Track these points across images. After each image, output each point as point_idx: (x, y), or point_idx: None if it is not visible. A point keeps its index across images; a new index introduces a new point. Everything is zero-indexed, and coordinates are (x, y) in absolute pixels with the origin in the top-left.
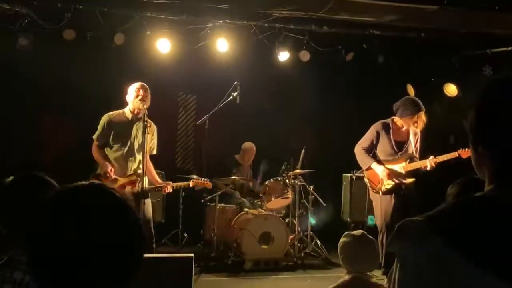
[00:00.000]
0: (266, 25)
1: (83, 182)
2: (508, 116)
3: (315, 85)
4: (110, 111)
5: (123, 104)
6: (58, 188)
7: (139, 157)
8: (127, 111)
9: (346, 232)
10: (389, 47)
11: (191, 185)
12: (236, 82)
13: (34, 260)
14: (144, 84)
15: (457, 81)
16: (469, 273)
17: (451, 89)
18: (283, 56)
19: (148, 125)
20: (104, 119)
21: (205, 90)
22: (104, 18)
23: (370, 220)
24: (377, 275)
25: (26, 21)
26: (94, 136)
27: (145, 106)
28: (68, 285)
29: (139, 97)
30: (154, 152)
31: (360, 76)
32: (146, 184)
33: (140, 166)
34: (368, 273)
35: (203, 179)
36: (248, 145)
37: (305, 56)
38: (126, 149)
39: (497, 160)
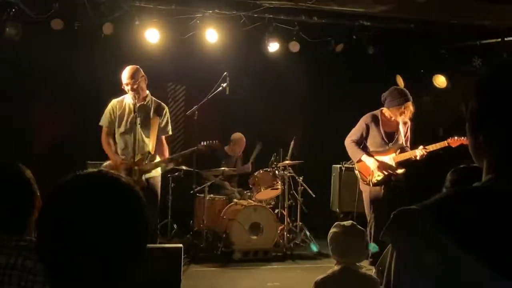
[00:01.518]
0: (255, 15)
1: (93, 170)
2: (509, 104)
3: (304, 76)
4: (99, 101)
5: (112, 93)
6: (70, 175)
7: (145, 139)
8: (129, 96)
9: (336, 223)
10: (379, 38)
11: (202, 150)
12: (225, 72)
13: (41, 249)
14: (131, 72)
15: (447, 73)
16: (468, 264)
17: (440, 81)
18: (273, 46)
19: (151, 106)
20: (109, 105)
21: (195, 80)
22: (92, 7)
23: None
24: (365, 265)
25: (13, 10)
26: (101, 123)
27: (140, 94)
28: (72, 273)
29: (129, 90)
30: (169, 132)
31: (350, 67)
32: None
33: (147, 147)
34: (357, 264)
35: (209, 141)
36: (238, 135)
37: (295, 46)
38: (131, 133)
39: (498, 150)
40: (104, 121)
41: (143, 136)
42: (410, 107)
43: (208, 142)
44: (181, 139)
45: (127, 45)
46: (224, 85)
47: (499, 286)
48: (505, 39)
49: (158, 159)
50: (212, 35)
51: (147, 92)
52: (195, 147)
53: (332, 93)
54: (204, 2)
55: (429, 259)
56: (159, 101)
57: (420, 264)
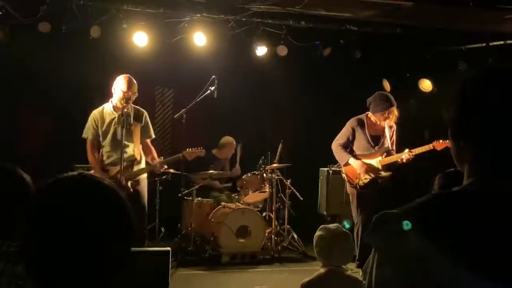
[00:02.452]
0: (244, 19)
1: (73, 173)
2: (490, 110)
3: (292, 79)
4: (86, 104)
5: (99, 96)
6: (51, 178)
7: (128, 146)
8: (110, 105)
9: (321, 226)
10: (365, 43)
11: (186, 157)
12: (213, 76)
13: (24, 252)
14: (128, 82)
15: (432, 77)
16: (446, 267)
17: (426, 85)
18: (261, 50)
19: (130, 113)
20: (91, 116)
21: (182, 84)
22: (80, 11)
23: (347, 224)
24: (351, 268)
25: (1, 13)
26: (84, 135)
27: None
28: (56, 279)
29: (124, 100)
30: (152, 135)
31: (337, 71)
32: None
33: (132, 153)
34: (343, 266)
35: (194, 148)
36: (228, 139)
37: (282, 50)
38: (114, 141)
39: (477, 155)
40: (87, 133)
41: (127, 143)
42: (394, 112)
43: (192, 149)
44: (169, 142)
45: (114, 49)
46: (212, 88)
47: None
48: (490, 44)
49: (143, 162)
50: (200, 39)
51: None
52: (180, 154)
53: (320, 96)
54: (192, 6)
55: (409, 262)
56: (137, 106)
57: (400, 267)
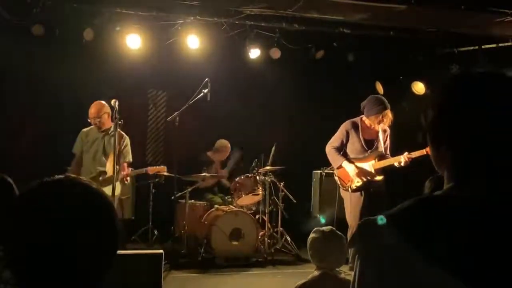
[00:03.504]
0: (237, 22)
1: (59, 176)
2: (469, 116)
3: (285, 82)
4: (79, 107)
5: (92, 99)
6: (37, 181)
7: (103, 161)
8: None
9: (315, 228)
10: (358, 46)
11: (149, 172)
12: (206, 79)
13: (9, 258)
14: (95, 109)
15: (425, 80)
16: (425, 271)
17: (419, 87)
18: (254, 53)
19: (112, 136)
20: (79, 135)
21: (176, 86)
22: (73, 13)
23: (322, 219)
24: (345, 271)
25: None
26: (74, 150)
27: (103, 126)
28: (41, 281)
29: (92, 124)
30: (130, 160)
31: (330, 74)
32: (117, 189)
33: (107, 167)
34: (337, 269)
35: (156, 166)
36: (223, 143)
37: (275, 53)
38: (94, 161)
39: (456, 159)
40: (75, 148)
41: (103, 159)
42: (388, 115)
43: (155, 167)
44: (162, 145)
45: (108, 51)
46: (205, 91)
47: None
48: (483, 46)
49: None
50: (193, 41)
51: (111, 124)
52: (144, 169)
53: (313, 99)
54: (185, 9)
55: (391, 268)
56: (122, 132)
57: (381, 273)
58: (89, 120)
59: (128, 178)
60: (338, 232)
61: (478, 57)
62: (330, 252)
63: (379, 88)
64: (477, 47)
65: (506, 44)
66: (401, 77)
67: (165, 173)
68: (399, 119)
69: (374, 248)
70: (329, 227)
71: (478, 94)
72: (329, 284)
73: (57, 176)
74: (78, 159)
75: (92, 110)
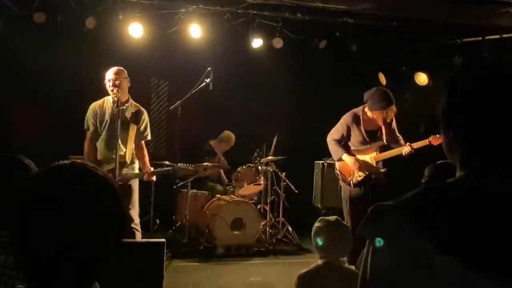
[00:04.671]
0: (239, 11)
1: (66, 162)
2: (480, 102)
3: (288, 72)
4: (81, 95)
5: (94, 87)
6: (43, 167)
7: (122, 146)
8: (109, 99)
9: (320, 217)
10: (362, 36)
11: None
12: (209, 68)
13: (15, 243)
14: (116, 69)
15: (428, 71)
16: (440, 259)
17: (421, 78)
18: (257, 42)
19: (130, 111)
20: (90, 108)
21: (178, 76)
22: (75, 1)
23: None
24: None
25: None
26: (85, 126)
27: (121, 93)
28: (47, 267)
29: (110, 88)
30: (148, 137)
31: (333, 64)
32: (136, 170)
33: (122, 155)
34: (341, 259)
35: (188, 164)
36: (228, 134)
37: (278, 43)
38: (109, 137)
39: (468, 146)
40: (87, 125)
41: (120, 142)
42: (393, 109)
43: (187, 164)
44: (164, 134)
45: (110, 40)
46: (208, 80)
47: (474, 281)
48: (486, 37)
49: (136, 164)
50: (196, 31)
51: (128, 95)
52: (170, 168)
53: (315, 89)
54: None
55: (404, 254)
56: (138, 105)
57: (394, 258)
58: (106, 83)
59: (154, 177)
60: (343, 222)
61: (482, 48)
62: (335, 241)
63: (382, 78)
64: (480, 38)
65: (509, 35)
66: (404, 68)
67: (167, 162)
68: (402, 110)
69: (387, 234)
70: (334, 216)
71: (488, 81)
72: (333, 273)
73: (63, 162)
74: (91, 137)
75: (111, 73)
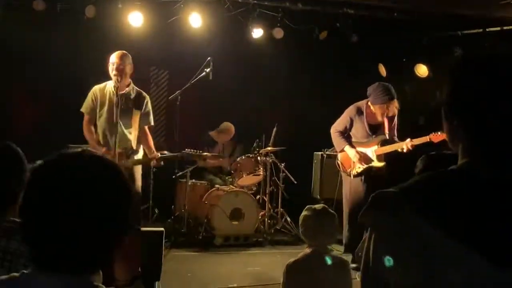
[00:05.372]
0: (240, 1)
1: (78, 150)
2: (483, 91)
3: (288, 62)
4: (80, 84)
5: (93, 76)
6: (53, 154)
7: (125, 132)
8: (111, 83)
9: (308, 206)
10: (362, 27)
11: (184, 158)
12: (209, 58)
13: (26, 227)
14: (120, 53)
15: (428, 62)
16: (442, 244)
17: (422, 70)
18: (257, 33)
19: (132, 96)
20: (91, 91)
21: (178, 65)
22: None
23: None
24: (337, 249)
25: None
26: (83, 109)
27: (123, 78)
28: (54, 252)
29: (113, 71)
30: (151, 123)
31: (333, 55)
32: (140, 156)
33: (129, 142)
34: (329, 246)
35: (196, 150)
36: (227, 125)
37: (278, 33)
38: (112, 123)
39: (472, 135)
40: (85, 107)
41: (123, 127)
42: (395, 104)
43: (193, 150)
44: (163, 124)
45: (109, 28)
46: (208, 70)
47: (475, 265)
48: (487, 29)
49: (141, 151)
50: (196, 20)
51: (130, 80)
52: (180, 153)
53: (315, 80)
54: None
55: (407, 240)
56: (140, 90)
57: (398, 245)
58: (109, 66)
59: (162, 163)
60: (330, 210)
61: (482, 40)
62: (321, 229)
63: (382, 70)
64: (481, 30)
65: (510, 27)
66: (404, 59)
67: (166, 152)
68: (401, 102)
69: (388, 220)
70: (321, 204)
71: (493, 69)
72: (321, 261)
73: (75, 149)
74: (89, 120)
75: (115, 57)
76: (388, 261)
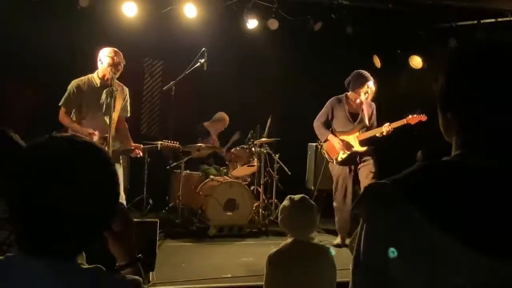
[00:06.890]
0: None
1: (67, 134)
2: (477, 83)
3: (283, 53)
4: (73, 73)
5: (87, 66)
6: (41, 137)
7: (109, 121)
8: (95, 77)
9: (288, 196)
10: (357, 18)
11: (159, 148)
12: (203, 48)
13: (12, 211)
14: (117, 51)
15: (423, 54)
16: (435, 236)
17: (416, 61)
18: (252, 23)
19: (115, 89)
20: (71, 85)
21: (172, 56)
22: None
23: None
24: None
25: None
26: (61, 103)
27: (116, 74)
28: (42, 237)
29: (112, 67)
30: (128, 114)
31: (328, 46)
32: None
33: (112, 132)
34: (309, 235)
35: (171, 141)
36: (222, 115)
37: (273, 24)
38: (95, 115)
39: (466, 126)
40: (65, 102)
41: (105, 119)
42: (372, 87)
43: (169, 142)
44: (157, 115)
45: (103, 18)
46: (202, 61)
47: (471, 259)
48: (481, 21)
49: (117, 142)
50: (190, 10)
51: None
52: (157, 144)
53: (310, 71)
54: None
55: (400, 232)
56: (120, 83)
57: (391, 236)
58: (110, 61)
59: (141, 153)
60: (309, 200)
61: (477, 32)
62: (300, 220)
63: (377, 61)
64: (475, 22)
65: (505, 19)
66: (398, 51)
67: (160, 143)
68: (396, 93)
69: (382, 212)
70: (301, 195)
71: (488, 60)
72: (302, 249)
73: (64, 134)
74: (67, 114)
75: (115, 54)
76: (381, 253)
